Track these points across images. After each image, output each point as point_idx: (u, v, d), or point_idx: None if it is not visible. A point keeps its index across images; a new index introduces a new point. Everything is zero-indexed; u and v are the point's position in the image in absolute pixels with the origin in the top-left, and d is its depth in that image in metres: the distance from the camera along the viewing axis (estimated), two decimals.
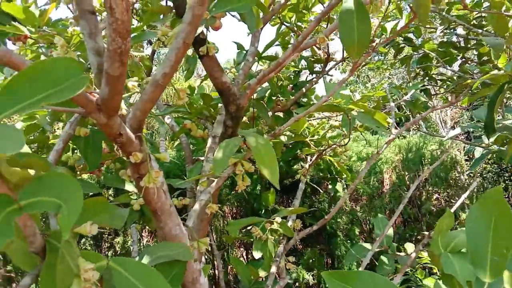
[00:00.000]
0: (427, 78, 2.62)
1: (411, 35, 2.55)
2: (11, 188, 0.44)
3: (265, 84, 1.80)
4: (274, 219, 1.44)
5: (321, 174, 2.51)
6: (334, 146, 1.53)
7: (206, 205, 1.05)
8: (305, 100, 2.08)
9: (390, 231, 1.48)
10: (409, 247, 1.46)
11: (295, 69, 2.34)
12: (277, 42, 2.06)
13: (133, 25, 1.39)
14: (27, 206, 0.41)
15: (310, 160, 1.77)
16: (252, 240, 1.44)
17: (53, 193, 0.41)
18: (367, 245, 1.50)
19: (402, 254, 1.43)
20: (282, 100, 2.02)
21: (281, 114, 1.99)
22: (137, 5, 1.58)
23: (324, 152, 1.58)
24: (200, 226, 1.17)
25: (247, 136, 0.87)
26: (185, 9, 0.67)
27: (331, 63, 2.32)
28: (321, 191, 2.82)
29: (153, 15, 1.35)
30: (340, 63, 2.64)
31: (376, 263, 1.48)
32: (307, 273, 2.72)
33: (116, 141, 0.66)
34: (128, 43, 0.52)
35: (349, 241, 2.80)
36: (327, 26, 2.16)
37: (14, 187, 0.45)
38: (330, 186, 2.51)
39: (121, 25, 0.49)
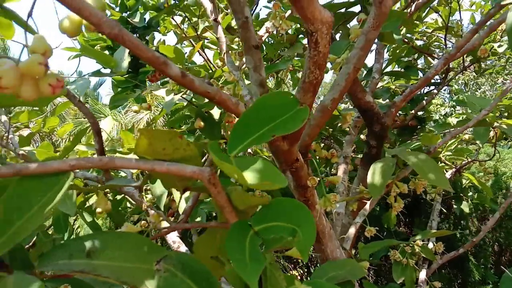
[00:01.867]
0: None
1: None
2: (238, 216, 0.48)
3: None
4: (414, 241, 1.36)
5: (442, 192, 2.33)
6: (477, 161, 1.42)
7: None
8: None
9: None
10: None
11: (412, 82, 2.24)
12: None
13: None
14: (262, 231, 0.44)
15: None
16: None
17: (285, 218, 0.44)
18: None
19: None
20: (400, 115, 1.94)
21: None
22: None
23: (462, 168, 1.47)
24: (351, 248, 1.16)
25: (404, 155, 0.84)
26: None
27: (451, 74, 2.18)
28: (444, 210, 2.62)
29: (280, 44, 1.41)
30: (461, 73, 2.47)
31: None
32: None
33: (292, 166, 0.69)
34: (323, 75, 0.54)
35: (483, 267, 2.53)
36: (445, 36, 2.05)
37: (239, 215, 0.49)
38: (455, 206, 2.32)
39: (322, 58, 0.51)
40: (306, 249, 0.41)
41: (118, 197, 1.52)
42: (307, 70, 0.53)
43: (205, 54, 1.97)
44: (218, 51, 1.91)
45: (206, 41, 1.90)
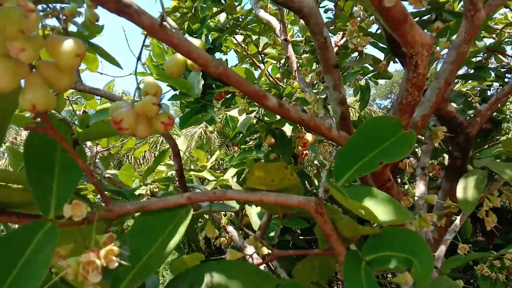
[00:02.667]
0: None
1: None
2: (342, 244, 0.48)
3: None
4: (503, 254, 1.27)
5: None
6: None
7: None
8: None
9: None
10: None
11: (486, 83, 2.10)
12: None
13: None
14: (374, 261, 0.44)
15: None
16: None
17: (398, 248, 0.43)
18: None
19: None
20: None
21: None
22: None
23: None
24: None
25: (497, 167, 0.80)
26: (400, 47, 0.66)
27: None
28: None
29: (345, 55, 1.40)
30: None
31: None
32: None
33: (384, 186, 0.68)
34: (421, 96, 0.53)
35: None
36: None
37: (343, 241, 0.49)
38: None
39: (421, 79, 0.50)
40: (425, 279, 0.40)
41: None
42: (405, 91, 0.52)
43: (267, 69, 2.00)
44: (278, 65, 1.93)
45: (261, 55, 1.93)
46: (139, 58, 0.53)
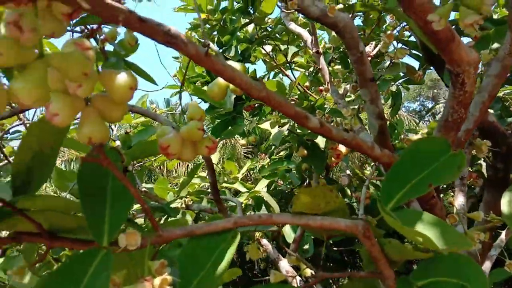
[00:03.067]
0: None
1: None
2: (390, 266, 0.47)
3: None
4: None
5: None
6: None
7: None
8: None
9: None
10: None
11: None
12: None
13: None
14: (426, 287, 0.42)
15: None
16: None
17: (451, 273, 0.42)
18: None
19: None
20: None
21: None
22: None
23: None
24: None
25: None
26: (436, 57, 0.64)
27: None
28: None
29: (377, 63, 1.38)
30: None
31: None
32: None
33: (428, 203, 0.66)
34: (467, 113, 0.52)
35: None
36: None
37: (391, 264, 0.48)
38: None
39: (468, 97, 0.49)
40: None
41: None
42: (450, 109, 0.51)
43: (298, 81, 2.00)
44: (306, 73, 1.93)
45: (290, 64, 1.93)
46: (182, 84, 0.54)
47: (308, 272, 0.65)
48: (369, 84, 0.78)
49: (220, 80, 0.53)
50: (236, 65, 0.52)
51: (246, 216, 0.45)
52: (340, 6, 1.09)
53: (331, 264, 2.10)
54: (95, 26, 0.91)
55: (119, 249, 0.39)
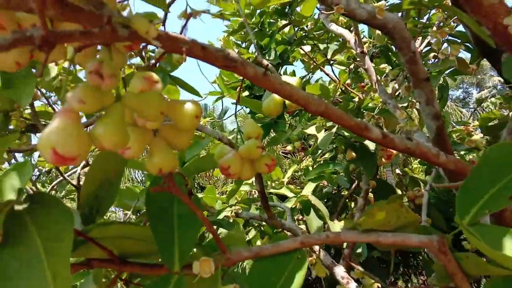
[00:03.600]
0: None
1: None
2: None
3: None
4: None
5: None
6: None
7: None
8: None
9: None
10: None
11: None
12: None
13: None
14: None
15: None
16: None
17: None
18: None
19: None
20: None
21: None
22: None
23: None
24: None
25: None
26: (489, 46, 0.59)
27: None
28: None
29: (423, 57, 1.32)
30: None
31: None
32: None
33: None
34: None
35: None
36: None
37: (467, 278, 0.45)
38: None
39: None
40: None
41: (276, 231, 1.58)
42: None
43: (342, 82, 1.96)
44: (346, 70, 1.88)
45: (330, 63, 1.89)
46: (237, 102, 0.54)
47: (375, 286, 0.62)
48: (423, 84, 0.75)
49: (275, 96, 0.53)
50: (292, 80, 0.52)
51: (312, 236, 0.44)
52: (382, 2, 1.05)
53: (383, 265, 2.05)
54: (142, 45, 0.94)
55: (192, 275, 0.39)
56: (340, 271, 1.22)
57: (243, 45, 2.13)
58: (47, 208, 0.33)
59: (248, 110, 1.95)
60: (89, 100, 0.24)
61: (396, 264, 2.68)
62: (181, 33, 0.39)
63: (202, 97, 1.27)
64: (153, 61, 0.37)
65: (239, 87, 0.53)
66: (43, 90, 1.23)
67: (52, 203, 0.33)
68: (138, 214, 1.43)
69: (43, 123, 1.26)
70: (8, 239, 0.33)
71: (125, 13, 0.71)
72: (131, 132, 0.34)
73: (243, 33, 1.97)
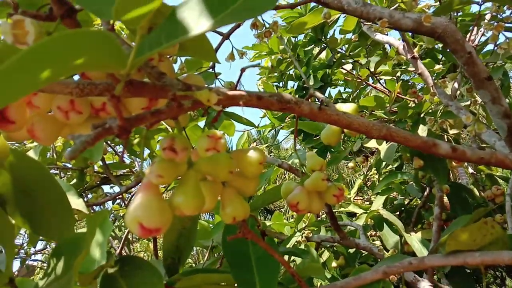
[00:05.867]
0: None
1: None
2: None
3: None
4: None
5: None
6: None
7: None
8: None
9: None
10: None
11: None
12: None
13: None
14: None
15: None
16: None
17: None
18: None
19: None
20: None
21: None
22: None
23: None
24: None
25: None
26: None
27: None
28: None
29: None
30: None
31: None
32: None
33: None
34: None
35: None
36: None
37: None
38: None
39: None
40: None
41: (351, 250, 1.54)
42: None
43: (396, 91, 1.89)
44: (393, 79, 1.82)
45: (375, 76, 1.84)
46: (295, 137, 0.55)
47: None
48: (486, 83, 0.71)
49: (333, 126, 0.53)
50: (347, 107, 0.52)
51: (395, 264, 0.43)
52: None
53: (471, 275, 1.90)
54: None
55: None
56: (425, 285, 1.16)
57: (280, 85, 2.13)
58: (139, 270, 0.35)
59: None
60: (166, 173, 0.26)
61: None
62: (236, 85, 0.41)
63: (256, 127, 1.30)
64: (210, 119, 0.39)
65: (296, 120, 0.54)
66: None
67: (142, 265, 0.35)
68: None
69: (114, 174, 1.36)
70: None
71: (176, 66, 0.76)
72: (202, 186, 0.36)
73: (275, 74, 1.98)
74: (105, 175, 1.24)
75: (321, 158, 0.50)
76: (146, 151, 1.40)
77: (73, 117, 0.33)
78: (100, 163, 1.28)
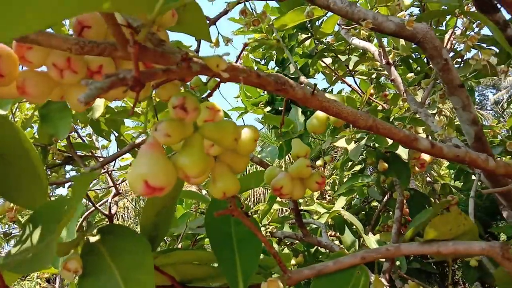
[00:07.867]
0: None
1: None
2: None
3: None
4: None
5: None
6: None
7: None
8: None
9: None
10: None
11: None
12: None
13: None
14: None
15: None
16: None
17: None
18: None
19: None
20: None
21: None
22: None
23: None
24: None
25: None
26: None
27: None
28: None
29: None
30: None
31: None
32: None
33: None
34: None
35: None
36: None
37: None
38: None
39: None
40: None
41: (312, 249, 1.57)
42: None
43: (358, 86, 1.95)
44: (367, 81, 1.88)
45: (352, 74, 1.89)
46: (281, 124, 0.55)
47: None
48: (458, 90, 0.75)
49: (319, 113, 0.54)
50: (335, 98, 0.53)
51: (373, 250, 0.44)
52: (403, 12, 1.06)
53: (423, 276, 2.00)
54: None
55: None
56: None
57: (262, 62, 2.15)
58: (121, 238, 0.34)
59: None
60: (174, 133, 0.25)
61: (430, 274, 2.60)
62: (236, 62, 0.41)
63: (230, 118, 1.29)
64: (208, 92, 0.39)
65: (283, 109, 0.54)
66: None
67: (126, 233, 0.34)
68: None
69: (79, 154, 1.30)
70: (87, 271, 0.34)
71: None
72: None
73: (261, 49, 1.99)
74: (69, 154, 1.19)
75: (306, 146, 0.50)
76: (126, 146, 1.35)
77: (67, 76, 0.32)
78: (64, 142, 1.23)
